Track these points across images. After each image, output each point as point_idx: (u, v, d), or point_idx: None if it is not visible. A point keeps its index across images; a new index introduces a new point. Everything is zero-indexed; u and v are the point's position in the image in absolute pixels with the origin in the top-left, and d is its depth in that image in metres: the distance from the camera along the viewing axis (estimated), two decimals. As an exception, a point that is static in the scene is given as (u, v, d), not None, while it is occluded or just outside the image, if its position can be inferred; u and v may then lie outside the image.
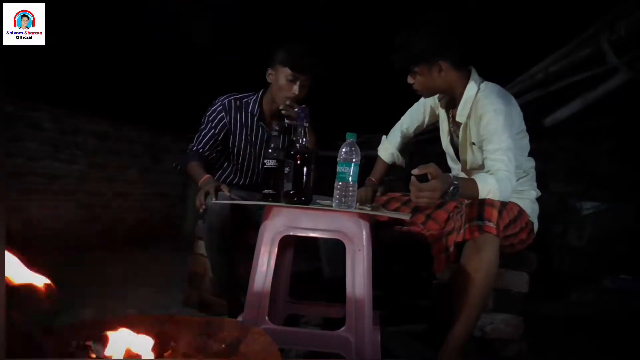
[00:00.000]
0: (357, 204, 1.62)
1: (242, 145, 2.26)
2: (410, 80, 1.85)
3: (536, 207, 1.93)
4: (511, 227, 1.70)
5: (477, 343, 1.89)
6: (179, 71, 4.37)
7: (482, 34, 3.69)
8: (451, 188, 1.50)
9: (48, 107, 3.37)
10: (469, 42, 1.81)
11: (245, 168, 2.29)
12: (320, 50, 2.10)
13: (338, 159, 1.55)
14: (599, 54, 2.72)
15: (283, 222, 1.55)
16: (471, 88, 1.81)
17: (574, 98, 2.96)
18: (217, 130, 2.22)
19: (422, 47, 1.74)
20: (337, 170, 1.55)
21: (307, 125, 1.64)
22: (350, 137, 1.56)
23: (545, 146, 4.15)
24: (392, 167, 2.28)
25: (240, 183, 2.31)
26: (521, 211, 1.80)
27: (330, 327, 1.71)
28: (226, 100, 2.25)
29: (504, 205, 1.64)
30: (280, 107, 2.10)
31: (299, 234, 1.56)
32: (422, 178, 1.49)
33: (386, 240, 2.13)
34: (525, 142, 1.90)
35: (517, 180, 1.81)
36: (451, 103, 1.92)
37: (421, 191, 1.45)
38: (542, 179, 3.93)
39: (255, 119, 2.24)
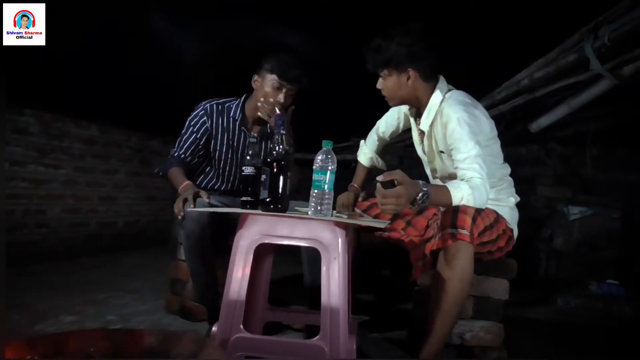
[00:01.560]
0: (335, 211, 1.61)
1: (224, 150, 2.26)
2: (379, 85, 1.87)
3: (515, 213, 1.93)
4: (487, 234, 1.70)
5: (457, 350, 1.89)
6: (168, 73, 4.38)
7: (469, 40, 3.72)
8: (420, 194, 1.50)
9: (33, 111, 3.34)
10: (441, 57, 1.83)
11: (227, 173, 2.29)
12: (309, 63, 2.13)
13: (314, 167, 1.54)
14: (583, 61, 2.73)
15: (259, 230, 1.54)
16: (435, 97, 1.83)
17: (559, 104, 2.97)
18: (198, 135, 2.22)
19: (394, 52, 1.77)
20: (313, 178, 1.54)
21: (284, 132, 1.63)
22: (327, 145, 1.56)
23: (534, 151, 4.17)
24: (373, 171, 2.29)
25: (222, 188, 2.31)
26: (499, 218, 1.80)
27: (313, 334, 1.70)
28: (208, 105, 2.25)
29: (478, 212, 1.64)
30: (259, 114, 2.11)
31: (275, 242, 1.55)
32: (391, 185, 1.49)
33: (370, 245, 2.15)
34: (496, 149, 1.89)
35: (493, 188, 1.81)
36: (419, 112, 1.94)
37: (386, 197, 1.45)
38: (530, 184, 3.99)
39: (237, 123, 2.25)
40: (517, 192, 1.97)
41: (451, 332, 1.69)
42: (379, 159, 2.26)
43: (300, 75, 2.10)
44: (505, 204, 1.89)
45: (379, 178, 1.47)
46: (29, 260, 3.22)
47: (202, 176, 2.33)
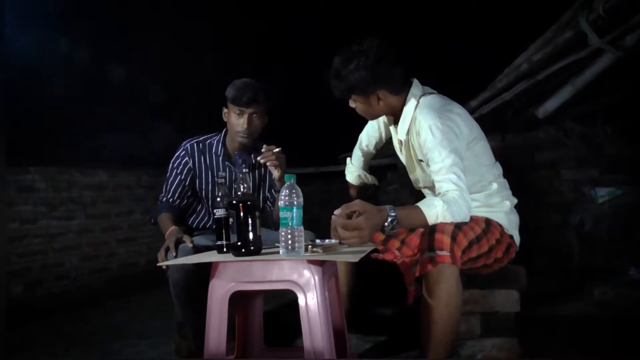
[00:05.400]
0: (313, 243, 1.53)
1: (210, 188, 2.21)
2: (351, 104, 1.78)
3: (514, 217, 1.78)
4: (475, 249, 1.57)
5: (470, 373, 1.76)
6: (170, 109, 4.41)
7: (462, 30, 3.59)
8: (389, 220, 1.40)
9: (38, 168, 3.40)
10: (407, 67, 1.72)
11: (216, 211, 2.24)
12: (269, 80, 2.08)
13: (279, 204, 1.47)
14: (581, 37, 2.55)
15: (231, 277, 1.48)
16: (410, 104, 1.73)
17: (563, 85, 2.78)
18: (183, 176, 2.19)
19: (357, 79, 1.66)
20: (280, 216, 1.46)
21: (246, 171, 1.57)
22: (289, 179, 1.48)
23: (551, 133, 3.93)
24: (364, 188, 2.20)
25: (214, 226, 2.26)
26: (490, 227, 1.66)
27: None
28: (188, 145, 2.22)
29: (459, 227, 1.52)
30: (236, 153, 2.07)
31: (250, 289, 1.48)
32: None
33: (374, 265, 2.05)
34: (479, 149, 1.75)
35: (481, 193, 1.68)
36: (396, 119, 1.83)
37: (347, 230, 1.36)
38: (552, 168, 3.78)
39: (220, 159, 2.21)
40: (539, 178, 1.82)
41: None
42: (368, 175, 2.17)
43: (254, 95, 2.02)
44: (499, 208, 1.75)
45: (336, 212, 1.39)
46: (50, 314, 3.27)
47: (194, 215, 2.29)
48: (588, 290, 3.05)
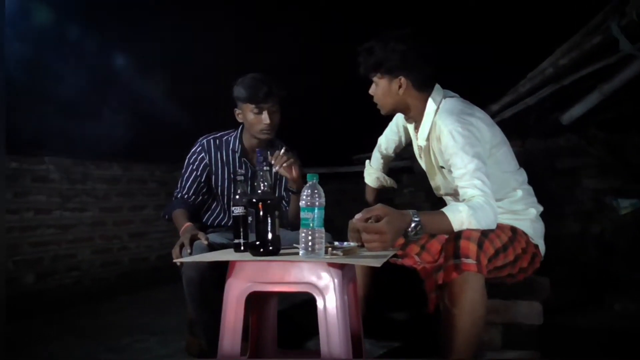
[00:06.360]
0: (330, 248, 1.48)
1: (226, 185, 2.18)
2: (371, 90, 1.76)
3: (539, 225, 1.72)
4: (501, 258, 1.51)
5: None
6: (186, 102, 4.38)
7: (487, 30, 3.51)
8: (412, 226, 1.35)
9: (52, 158, 3.40)
10: (436, 66, 1.71)
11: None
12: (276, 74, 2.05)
13: (300, 204, 1.42)
14: (610, 42, 2.47)
15: (248, 277, 1.43)
16: (429, 107, 1.69)
17: (590, 91, 2.71)
18: (199, 173, 2.16)
19: (386, 58, 1.67)
20: (301, 216, 1.42)
21: (267, 169, 1.53)
22: (311, 179, 1.43)
23: (573, 140, 3.84)
24: (382, 191, 2.15)
25: (230, 224, 2.22)
26: (516, 235, 1.60)
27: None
28: (205, 141, 2.19)
29: (485, 234, 1.46)
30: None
31: (266, 290, 1.44)
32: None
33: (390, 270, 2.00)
34: (502, 156, 1.70)
35: (505, 200, 1.63)
36: (418, 124, 1.78)
37: (369, 234, 1.31)
38: (573, 176, 3.69)
39: (237, 155, 2.17)
40: (559, 186, 1.76)
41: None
42: (386, 178, 2.11)
43: (269, 89, 2.00)
44: (525, 216, 1.69)
45: (357, 216, 1.34)
46: (61, 305, 3.26)
47: (208, 213, 2.26)
48: (608, 303, 2.97)
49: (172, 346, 2.49)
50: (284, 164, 1.92)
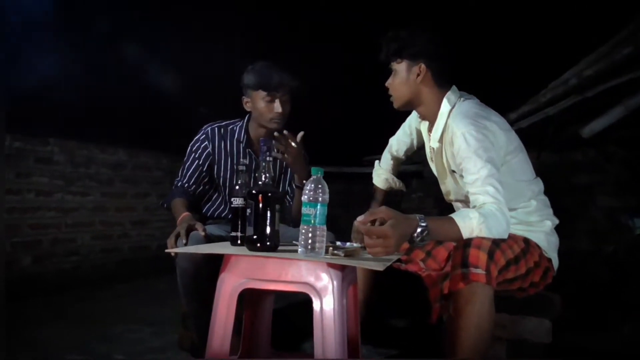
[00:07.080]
0: (331, 248, 1.40)
1: (229, 176, 2.11)
2: (388, 82, 1.71)
3: (554, 239, 1.63)
4: (512, 270, 1.42)
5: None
6: (194, 92, 4.33)
7: (509, 37, 3.41)
8: (418, 231, 1.26)
9: (57, 140, 3.35)
10: (454, 63, 1.67)
11: (233, 199, 2.13)
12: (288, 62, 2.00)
13: (302, 199, 1.34)
14: None
15: (243, 273, 1.36)
16: (444, 107, 1.61)
17: (614, 105, 2.60)
18: (201, 162, 2.09)
19: (410, 42, 1.64)
20: (302, 211, 1.34)
21: (270, 159, 1.45)
22: (316, 173, 1.35)
23: (591, 156, 3.73)
24: (390, 193, 2.07)
25: (230, 216, 2.15)
26: (529, 248, 1.51)
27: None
28: (209, 129, 2.12)
29: (496, 244, 1.37)
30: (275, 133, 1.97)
31: (261, 287, 1.36)
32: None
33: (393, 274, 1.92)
34: (517, 164, 1.61)
35: (517, 210, 1.54)
36: (431, 125, 1.70)
37: (372, 237, 1.23)
38: (588, 193, 3.57)
39: (242, 146, 2.10)
40: (574, 203, 1.68)
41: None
42: (396, 180, 2.03)
43: (283, 78, 1.95)
44: (539, 228, 1.59)
45: (360, 218, 1.26)
46: (58, 290, 3.21)
47: (209, 203, 2.19)
48: (617, 325, 2.86)
49: (165, 338, 2.43)
50: (289, 149, 1.89)
